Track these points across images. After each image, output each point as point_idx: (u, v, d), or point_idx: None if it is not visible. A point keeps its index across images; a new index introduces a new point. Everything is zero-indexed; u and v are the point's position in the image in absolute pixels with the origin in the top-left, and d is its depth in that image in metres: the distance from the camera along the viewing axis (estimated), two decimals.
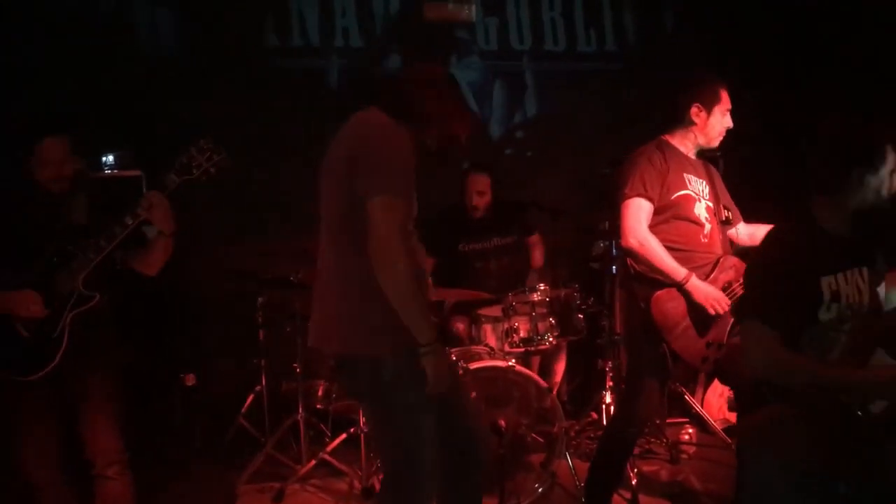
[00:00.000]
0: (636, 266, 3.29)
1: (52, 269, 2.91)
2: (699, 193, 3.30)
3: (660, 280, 3.21)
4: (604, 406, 4.37)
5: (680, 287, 3.19)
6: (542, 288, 4.07)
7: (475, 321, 4.27)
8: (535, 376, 3.87)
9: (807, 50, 5.01)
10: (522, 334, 4.02)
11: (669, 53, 5.54)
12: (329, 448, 4.13)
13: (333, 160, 2.52)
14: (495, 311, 4.20)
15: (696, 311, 3.19)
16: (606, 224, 4.58)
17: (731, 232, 3.48)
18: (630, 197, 3.24)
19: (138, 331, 4.01)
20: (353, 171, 2.40)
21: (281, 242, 4.48)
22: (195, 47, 5.00)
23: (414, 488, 2.54)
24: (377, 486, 3.93)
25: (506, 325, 4.06)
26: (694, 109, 3.29)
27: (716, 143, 3.35)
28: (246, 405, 4.54)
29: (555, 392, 3.90)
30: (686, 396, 4.68)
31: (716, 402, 4.78)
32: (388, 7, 5.32)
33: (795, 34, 5.05)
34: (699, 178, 3.34)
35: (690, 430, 4.56)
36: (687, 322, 3.21)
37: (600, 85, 5.56)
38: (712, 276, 3.26)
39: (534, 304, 4.03)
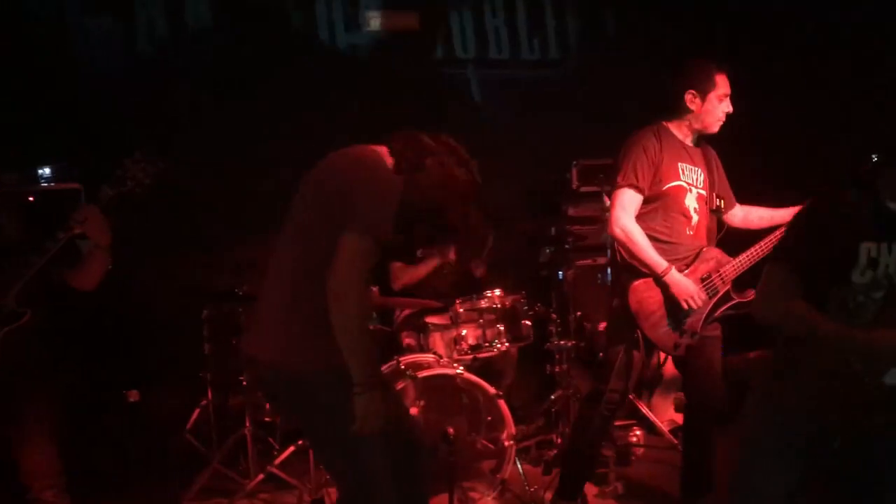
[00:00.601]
0: (621, 253, 3.40)
1: None
2: (692, 183, 3.40)
3: (640, 270, 3.33)
4: (553, 411, 4.40)
5: (658, 279, 3.30)
6: (489, 295, 4.08)
7: (423, 330, 4.26)
8: (484, 383, 3.87)
9: (750, 53, 5.12)
10: (471, 342, 4.03)
11: (612, 59, 5.61)
12: (277, 461, 4.07)
13: (323, 184, 2.52)
14: (444, 319, 4.20)
15: (673, 301, 3.31)
16: (553, 230, 4.62)
17: (728, 216, 3.58)
18: (621, 186, 3.34)
19: (78, 348, 3.92)
20: (342, 203, 2.39)
21: (225, 254, 4.41)
22: (134, 58, 4.90)
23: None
24: (326, 499, 3.90)
25: (454, 333, 4.06)
26: (688, 96, 3.36)
27: (715, 129, 3.40)
28: (191, 420, 4.46)
29: (504, 398, 3.91)
30: (633, 399, 4.73)
31: (663, 404, 4.85)
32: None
33: (735, 37, 5.16)
34: (694, 166, 3.43)
35: (638, 433, 4.60)
36: (662, 312, 3.34)
37: (544, 92, 5.60)
38: (692, 267, 3.38)
39: (481, 312, 4.04)
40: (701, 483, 3.60)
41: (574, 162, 5.00)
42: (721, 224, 3.56)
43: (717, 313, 3.43)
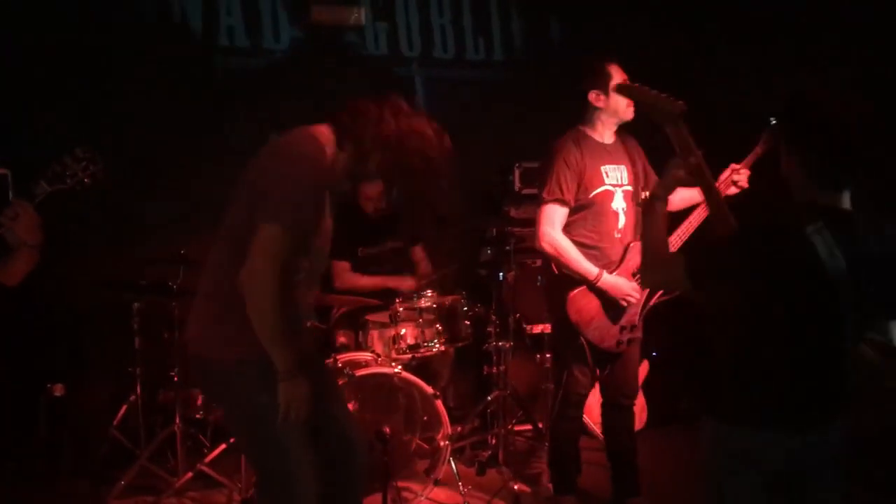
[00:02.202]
0: (554, 267, 3.47)
1: None
2: (617, 183, 3.47)
3: (574, 279, 3.41)
4: (489, 412, 4.41)
5: (592, 285, 3.38)
6: (428, 294, 4.07)
7: (362, 327, 4.23)
8: (421, 383, 3.86)
9: (693, 54, 5.21)
10: (409, 341, 4.00)
11: (555, 62, 5.65)
12: (207, 459, 3.99)
13: (247, 174, 2.48)
14: (382, 317, 4.16)
15: (610, 302, 3.43)
16: (494, 231, 4.64)
17: None
18: (546, 202, 3.41)
19: (1, 339, 3.78)
20: (256, 189, 2.38)
21: (158, 247, 4.30)
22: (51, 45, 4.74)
23: (285, 496, 2.47)
24: (256, 499, 3.83)
25: (392, 332, 4.03)
26: (592, 95, 3.42)
27: (629, 116, 3.43)
28: (119, 416, 4.32)
29: (441, 398, 3.90)
30: None
31: (595, 405, 4.89)
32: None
33: (679, 39, 5.24)
34: (617, 164, 3.49)
35: None
36: (602, 315, 3.45)
37: (488, 93, 5.61)
38: (622, 265, 3.47)
39: (421, 311, 4.01)
40: (630, 480, 3.72)
41: (517, 164, 5.02)
42: None
43: (652, 302, 3.56)
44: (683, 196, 3.54)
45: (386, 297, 4.21)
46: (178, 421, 4.03)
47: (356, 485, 2.73)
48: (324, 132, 2.48)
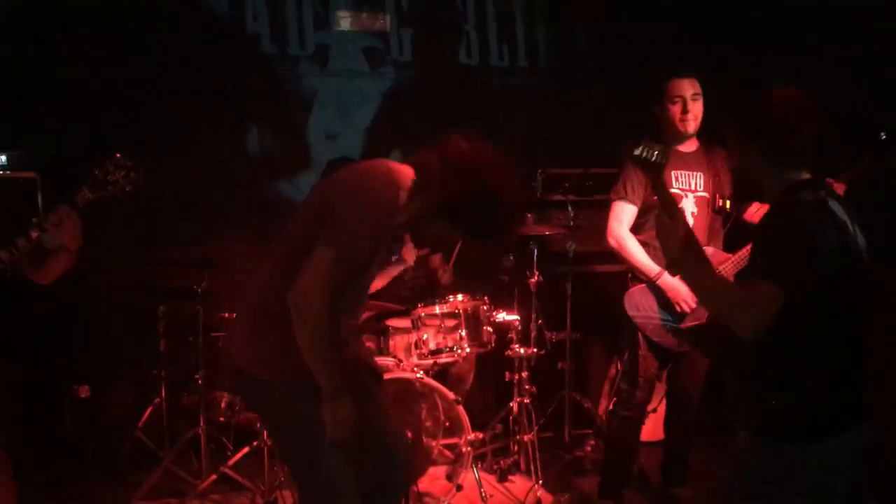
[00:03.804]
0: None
1: None
2: (687, 188, 3.61)
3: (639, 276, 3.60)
4: (510, 419, 4.40)
5: (652, 283, 3.53)
6: (451, 300, 4.07)
7: (384, 332, 4.24)
8: (443, 388, 3.87)
9: (718, 62, 5.18)
10: (431, 346, 4.00)
11: (579, 69, 5.65)
12: (231, 462, 4.01)
13: (317, 195, 2.51)
14: (404, 322, 4.17)
15: (669, 303, 3.54)
16: (516, 238, 4.63)
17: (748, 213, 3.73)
18: (614, 200, 3.66)
19: (28, 340, 3.83)
20: (321, 211, 2.39)
21: (184, 252, 4.34)
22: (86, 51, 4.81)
23: None
24: (280, 502, 3.85)
25: (414, 337, 4.04)
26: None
27: (683, 129, 3.59)
28: (144, 418, 4.36)
29: (462, 404, 3.90)
30: (589, 408, 4.75)
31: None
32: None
33: (706, 50, 5.22)
34: (692, 171, 3.63)
35: (592, 442, 4.62)
36: (658, 314, 3.58)
37: (512, 99, 5.61)
38: None
39: (443, 316, 4.02)
40: (680, 472, 3.90)
41: (539, 170, 5.02)
42: (725, 221, 3.72)
43: None
44: None
45: (410, 301, 4.23)
46: (201, 424, 4.06)
47: (397, 498, 2.74)
48: (404, 174, 2.46)
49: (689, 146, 3.68)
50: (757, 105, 2.26)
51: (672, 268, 2.46)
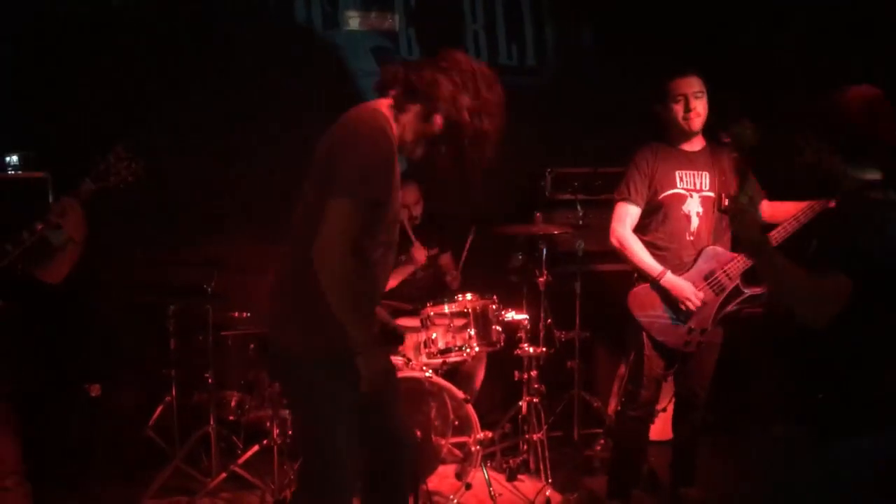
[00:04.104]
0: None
1: None
2: (692, 188, 3.59)
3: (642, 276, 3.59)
4: (519, 418, 4.40)
5: (655, 283, 3.52)
6: (460, 299, 4.08)
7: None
8: (452, 387, 3.87)
9: (724, 68, 5.17)
10: (440, 345, 4.01)
11: (587, 68, 5.65)
12: (241, 460, 4.04)
13: (317, 154, 2.52)
14: (413, 321, 4.18)
15: (673, 303, 3.54)
16: (525, 237, 4.65)
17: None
18: (616, 201, 3.67)
19: (39, 339, 3.85)
20: (324, 168, 2.41)
21: (193, 251, 4.36)
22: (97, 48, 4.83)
23: (327, 486, 2.51)
24: (289, 499, 3.86)
25: (423, 336, 4.04)
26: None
27: (689, 127, 3.58)
28: (154, 416, 4.39)
29: (471, 403, 3.90)
30: (598, 407, 4.75)
31: None
32: None
33: (712, 52, 5.22)
34: (698, 170, 3.61)
35: (602, 441, 4.62)
36: (666, 314, 3.56)
37: (520, 98, 5.60)
38: (694, 267, 3.57)
39: (452, 315, 4.03)
40: (688, 472, 3.89)
41: (548, 170, 5.02)
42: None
43: (729, 308, 3.60)
44: (788, 210, 3.53)
45: (419, 300, 4.24)
46: (212, 422, 4.08)
47: (400, 479, 2.74)
48: (383, 104, 2.51)
49: (695, 145, 3.66)
50: (836, 102, 2.28)
51: (751, 252, 2.40)
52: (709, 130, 3.64)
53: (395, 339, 2.74)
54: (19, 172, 4.17)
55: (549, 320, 4.45)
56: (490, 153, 2.53)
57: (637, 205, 3.62)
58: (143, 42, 4.82)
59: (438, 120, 2.47)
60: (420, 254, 4.57)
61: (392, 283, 4.43)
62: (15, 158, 4.19)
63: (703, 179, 3.62)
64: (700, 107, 3.55)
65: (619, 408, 3.84)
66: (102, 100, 4.67)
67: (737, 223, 2.39)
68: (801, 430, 2.28)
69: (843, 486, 2.13)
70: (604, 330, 4.87)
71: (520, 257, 4.75)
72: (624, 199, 3.64)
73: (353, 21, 5.27)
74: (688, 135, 3.61)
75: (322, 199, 2.35)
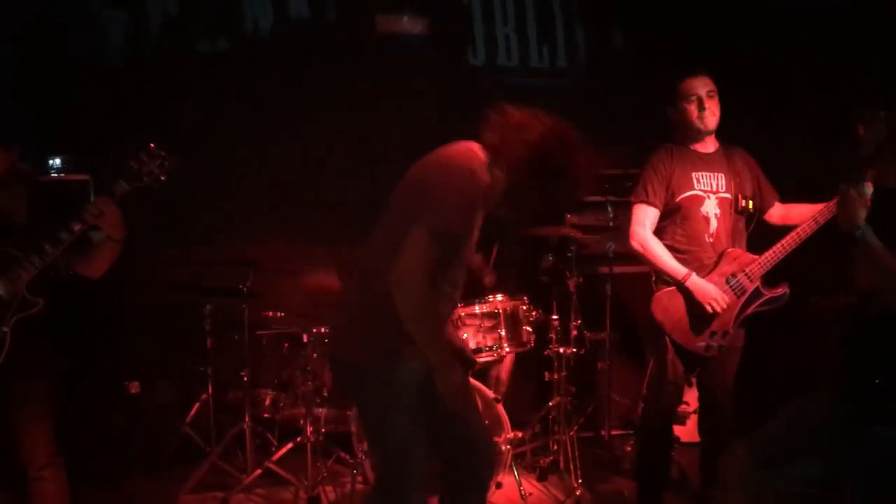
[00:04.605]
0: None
1: None
2: (710, 189, 3.56)
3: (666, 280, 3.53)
4: (549, 418, 4.43)
5: (680, 285, 3.48)
6: (491, 300, 4.11)
7: None
8: (482, 387, 3.91)
9: (755, 63, 5.15)
10: (471, 345, 4.04)
11: (619, 70, 5.65)
12: (275, 457, 4.11)
13: (406, 183, 2.58)
14: None
15: (696, 306, 3.48)
16: (556, 238, 4.67)
17: (768, 214, 3.70)
18: (635, 203, 3.62)
19: (81, 337, 3.94)
20: (413, 197, 2.48)
21: (230, 251, 4.45)
22: (142, 53, 4.95)
23: (400, 492, 2.59)
24: (322, 497, 3.92)
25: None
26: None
27: (703, 127, 3.55)
28: (191, 413, 4.48)
29: (502, 403, 3.93)
30: (627, 407, 4.76)
31: None
32: None
33: (740, 55, 5.19)
34: (714, 172, 3.59)
35: (633, 442, 4.62)
36: (686, 318, 3.51)
37: (552, 100, 5.63)
38: (716, 269, 3.53)
39: (482, 316, 4.06)
40: (715, 474, 3.73)
41: None
42: (749, 222, 3.66)
43: (750, 310, 3.56)
44: (802, 213, 3.53)
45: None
46: (247, 419, 4.16)
47: (480, 487, 2.81)
48: (477, 146, 2.55)
49: (708, 146, 3.63)
50: None
51: (855, 230, 2.51)
52: (721, 131, 3.61)
53: (466, 364, 2.78)
54: (62, 175, 4.28)
55: (580, 321, 4.47)
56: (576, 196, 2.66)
57: (655, 206, 3.58)
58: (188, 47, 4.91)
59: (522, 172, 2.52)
60: (489, 279, 4.59)
61: None
62: (58, 161, 4.30)
63: (720, 181, 3.58)
64: (713, 106, 3.53)
65: (640, 413, 3.81)
66: (143, 101, 4.77)
67: (841, 209, 2.51)
68: (845, 408, 2.33)
69: (878, 469, 2.20)
70: (634, 331, 4.85)
71: (550, 258, 4.76)
72: (642, 201, 3.59)
73: (385, 24, 5.32)
74: (702, 135, 3.58)
75: (404, 227, 2.41)
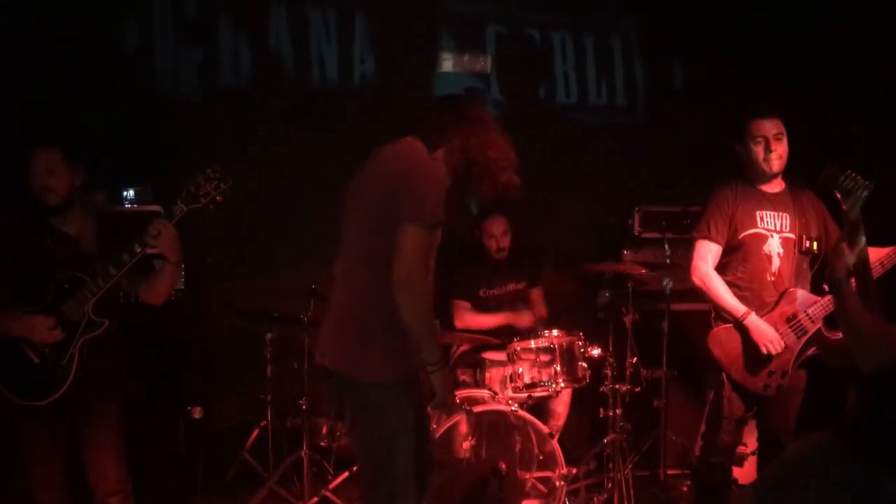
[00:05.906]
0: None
1: (62, 295, 2.96)
2: (773, 228, 3.55)
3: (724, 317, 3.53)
4: (604, 455, 4.40)
5: (738, 323, 3.46)
6: (546, 334, 4.13)
7: (480, 365, 4.32)
8: (537, 421, 3.92)
9: (816, 98, 5.11)
10: (526, 379, 4.07)
11: (678, 109, 5.65)
12: (331, 486, 4.16)
13: (367, 189, 2.67)
14: (500, 355, 4.25)
15: (753, 344, 3.46)
16: (612, 274, 4.67)
17: None
18: (696, 239, 3.65)
19: (147, 362, 4.07)
20: (392, 202, 2.54)
21: (292, 280, 4.55)
22: (214, 86, 5.13)
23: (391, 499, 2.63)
24: None
25: (510, 370, 4.11)
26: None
27: (768, 169, 3.56)
28: (251, 440, 4.57)
29: (556, 438, 3.93)
30: (683, 446, 4.69)
31: None
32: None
33: (802, 82, 5.17)
34: (779, 211, 3.59)
35: (689, 482, 4.55)
36: (746, 355, 3.49)
37: (610, 137, 5.66)
38: (777, 309, 3.51)
39: (538, 351, 4.08)
40: None
41: (637, 208, 5.04)
42: (813, 263, 3.64)
43: (810, 352, 3.52)
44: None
45: (504, 335, 4.30)
46: (304, 447, 4.22)
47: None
48: (414, 140, 2.70)
49: (775, 186, 3.63)
50: None
51: (831, 285, 2.54)
52: (789, 172, 3.60)
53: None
54: (135, 206, 4.45)
55: (636, 358, 4.45)
56: (506, 178, 2.69)
57: (718, 243, 3.58)
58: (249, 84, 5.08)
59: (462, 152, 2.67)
60: (525, 320, 4.62)
61: (489, 322, 4.53)
62: (132, 193, 4.47)
63: (784, 220, 3.58)
64: (780, 148, 3.52)
65: (698, 452, 3.76)
66: (215, 135, 4.93)
67: (830, 260, 2.50)
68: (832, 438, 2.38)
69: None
70: (690, 369, 4.81)
71: (607, 294, 4.76)
72: (704, 237, 3.60)
73: (447, 63, 5.43)
74: (768, 176, 3.58)
75: (384, 227, 2.49)
